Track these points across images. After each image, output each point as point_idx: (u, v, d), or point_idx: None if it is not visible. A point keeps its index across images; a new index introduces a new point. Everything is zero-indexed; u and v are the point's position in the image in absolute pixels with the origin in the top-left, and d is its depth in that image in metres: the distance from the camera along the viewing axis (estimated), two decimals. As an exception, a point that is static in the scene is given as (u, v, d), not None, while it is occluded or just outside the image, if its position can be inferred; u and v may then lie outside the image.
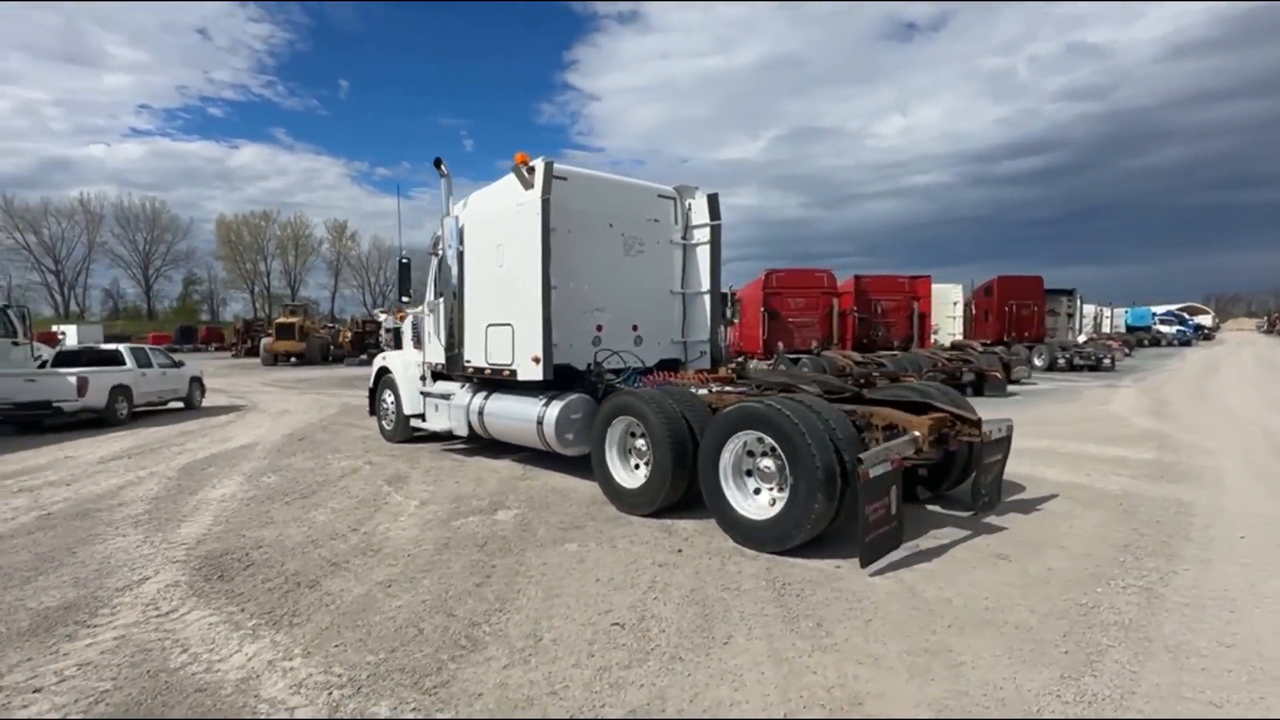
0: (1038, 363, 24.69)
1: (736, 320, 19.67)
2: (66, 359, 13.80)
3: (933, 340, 21.15)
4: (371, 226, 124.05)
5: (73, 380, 12.16)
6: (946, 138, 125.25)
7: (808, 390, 5.84)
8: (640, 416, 5.81)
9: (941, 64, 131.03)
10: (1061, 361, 24.00)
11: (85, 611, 3.88)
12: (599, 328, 7.88)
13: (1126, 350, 33.53)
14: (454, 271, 8.33)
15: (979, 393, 16.24)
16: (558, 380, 7.43)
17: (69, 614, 3.86)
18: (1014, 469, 7.36)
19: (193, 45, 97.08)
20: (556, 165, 7.44)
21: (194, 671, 3.15)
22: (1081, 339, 27.88)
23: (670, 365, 8.52)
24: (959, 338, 22.58)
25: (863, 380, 14.15)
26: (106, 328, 62.92)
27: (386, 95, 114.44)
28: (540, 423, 7.12)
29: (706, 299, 8.61)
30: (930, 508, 5.95)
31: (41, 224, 71.90)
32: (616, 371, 7.60)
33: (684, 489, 5.62)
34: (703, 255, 8.60)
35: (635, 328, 8.25)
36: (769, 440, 4.84)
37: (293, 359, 38.38)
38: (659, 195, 8.47)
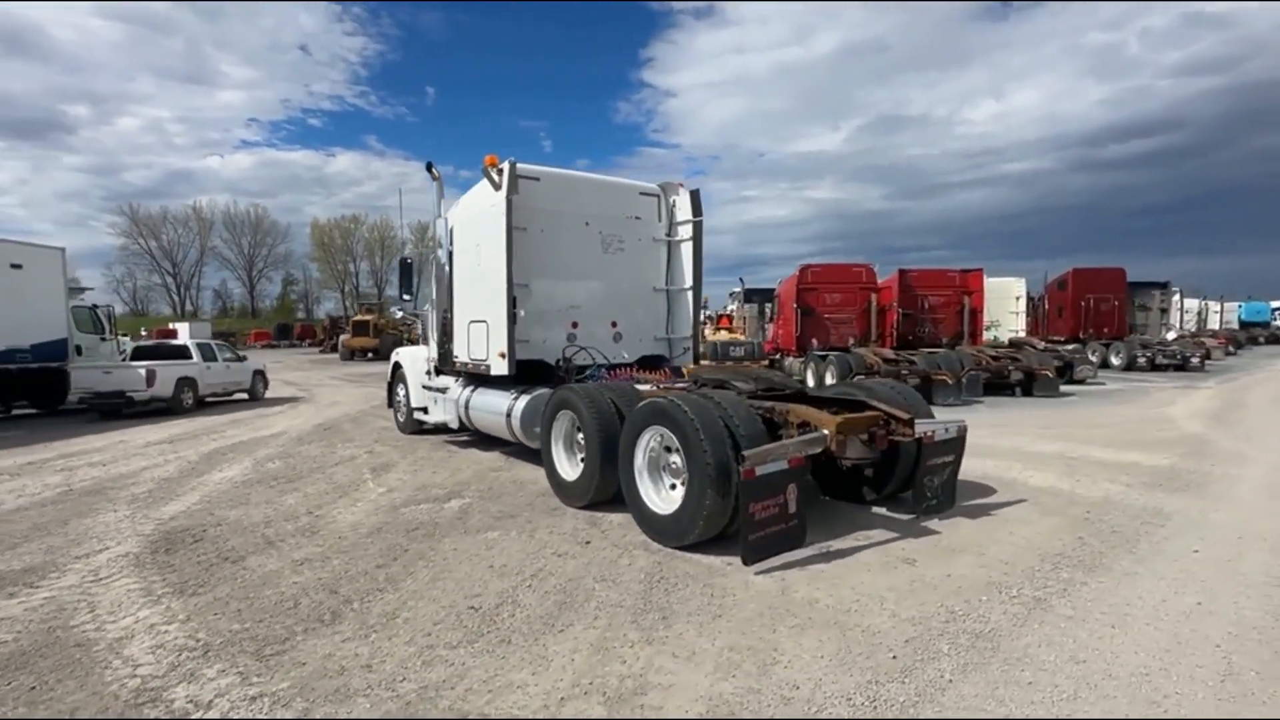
0: (1115, 361, 23.00)
1: (775, 317, 19.41)
2: (143, 353, 15.27)
3: (989, 337, 20.09)
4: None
5: (142, 372, 13.48)
6: (1045, 121, 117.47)
7: (739, 387, 5.80)
8: (576, 411, 5.95)
9: (1040, 43, 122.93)
10: (1142, 360, 22.19)
11: (38, 575, 4.43)
12: (574, 324, 8.06)
13: (1230, 349, 30.58)
14: (445, 271, 8.72)
15: (1028, 393, 15.36)
16: (532, 376, 7.68)
17: (25, 575, 4.41)
18: (999, 473, 7.04)
19: (295, 61, 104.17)
20: (530, 166, 7.69)
21: (84, 630, 3.56)
22: (1170, 336, 25.64)
23: (654, 362, 8.59)
24: (1021, 334, 21.30)
25: (890, 378, 13.73)
26: (215, 325, 68.70)
27: (469, 100, 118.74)
28: (509, 416, 7.38)
29: (690, 295, 8.63)
30: (876, 510, 5.78)
31: (161, 230, 79.29)
32: (584, 367, 7.75)
33: (615, 483, 5.70)
34: (687, 252, 8.62)
35: (614, 324, 8.38)
36: (670, 435, 4.87)
37: (369, 354, 40.78)
38: (641, 193, 8.54)
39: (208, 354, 15.65)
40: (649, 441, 5.13)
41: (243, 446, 9.56)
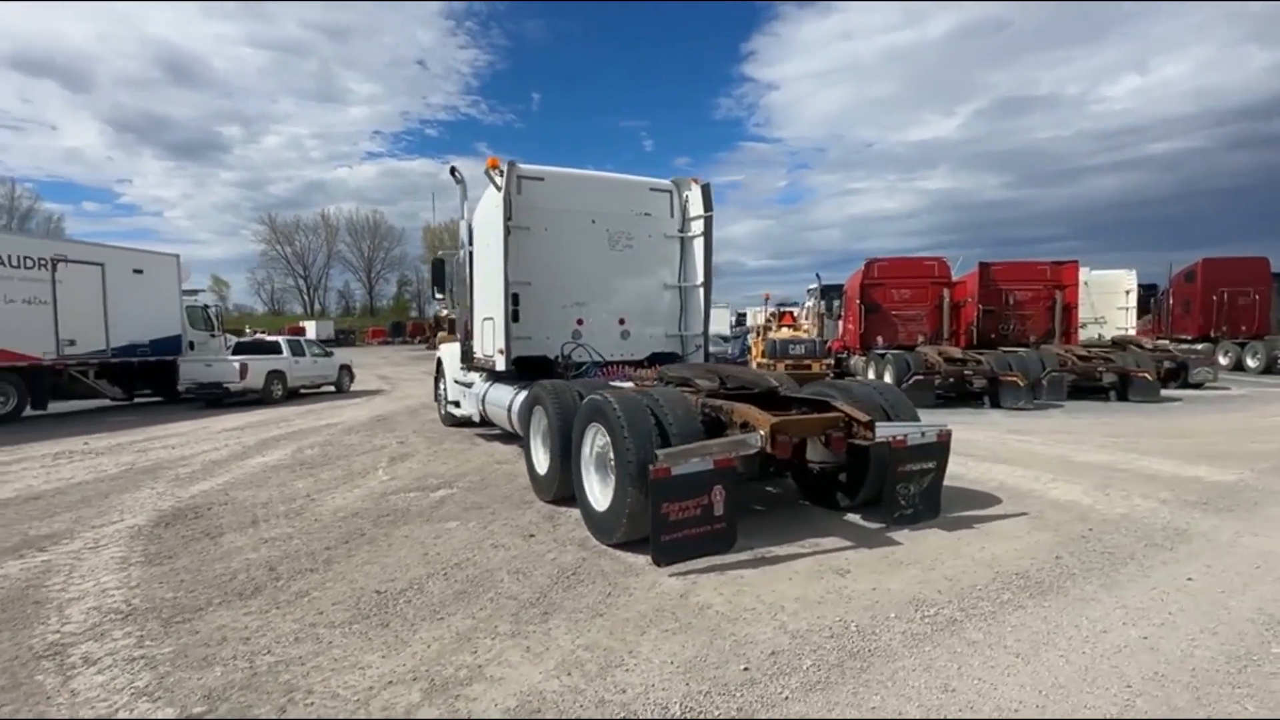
0: (1251, 363, 20.34)
1: (842, 314, 18.64)
2: (242, 349, 16.93)
3: (1091, 335, 18.31)
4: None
5: (236, 366, 14.96)
6: (1198, 94, 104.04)
7: (700, 384, 5.65)
8: (543, 406, 6.04)
9: (1189, 10, 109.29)
10: (1286, 362, 19.44)
11: (53, 540, 5.07)
12: (580, 321, 8.15)
13: None
14: (465, 271, 9.08)
15: (1124, 397, 13.89)
16: (539, 372, 7.86)
17: (43, 540, 5.06)
18: (1020, 483, 6.52)
19: (413, 75, 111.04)
20: (534, 166, 7.86)
21: (51, 590, 4.05)
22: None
23: (666, 359, 8.55)
24: (1130, 332, 19.24)
25: (951, 378, 12.86)
26: (337, 324, 74.75)
27: (572, 104, 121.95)
28: (510, 410, 7.59)
29: (702, 292, 8.51)
30: (850, 517, 5.48)
31: (294, 237, 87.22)
32: (582, 364, 7.83)
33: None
34: (700, 248, 8.50)
35: (622, 321, 8.40)
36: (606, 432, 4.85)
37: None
38: (651, 189, 8.50)
39: (296, 350, 17.10)
40: (594, 438, 5.13)
41: (297, 435, 10.41)
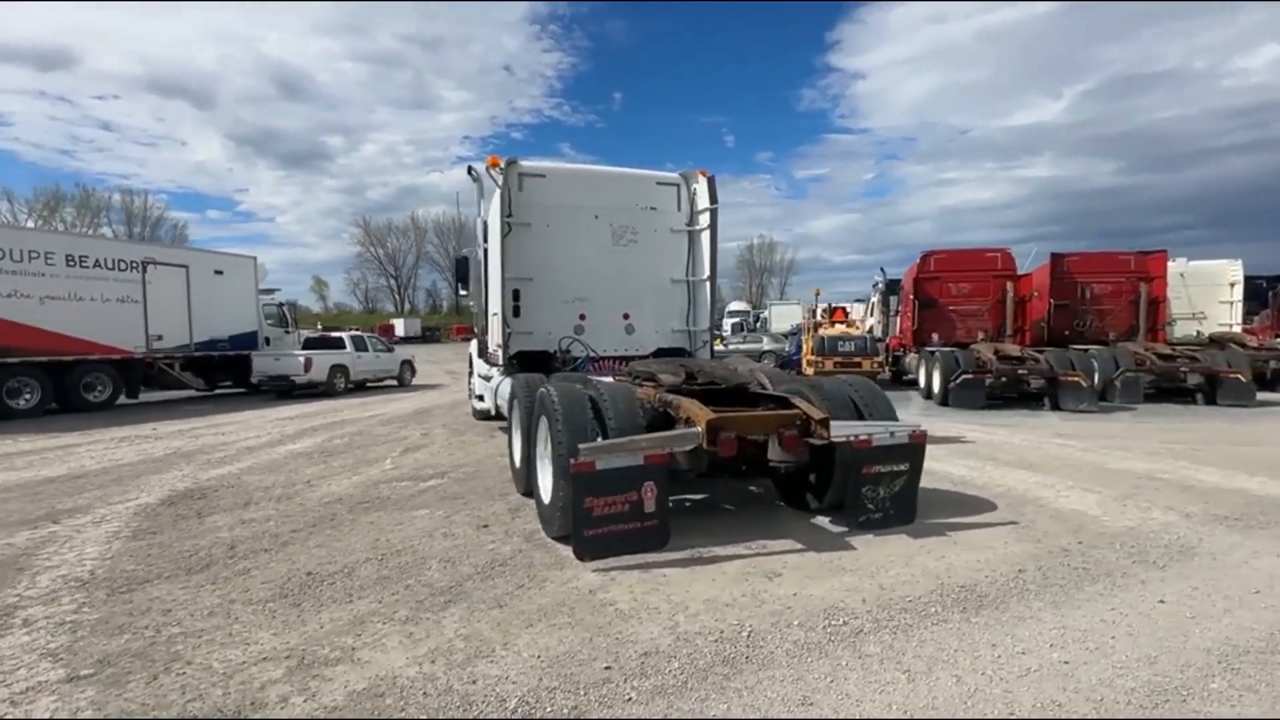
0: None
1: (900, 310, 17.80)
2: (310, 344, 18.07)
3: (1187, 332, 16.65)
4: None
5: (301, 360, 15.99)
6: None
7: (662, 379, 5.54)
8: (516, 399, 6.11)
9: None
10: None
11: (72, 514, 5.60)
12: (582, 316, 8.19)
13: None
14: (480, 268, 9.31)
15: (1213, 400, 12.57)
16: (542, 367, 7.96)
17: (63, 513, 5.60)
18: (1028, 490, 6.10)
19: (500, 81, 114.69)
20: (535, 163, 7.98)
21: (38, 559, 4.48)
22: None
23: (672, 354, 8.46)
24: (1235, 328, 17.33)
25: (1004, 378, 12.05)
26: (424, 321, 78.33)
27: (652, 102, 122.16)
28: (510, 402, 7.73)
29: (708, 286, 8.36)
30: (818, 519, 5.24)
31: (386, 239, 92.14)
32: (576, 358, 7.86)
33: (540, 471, 5.77)
34: (707, 241, 8.35)
35: (626, 316, 8.38)
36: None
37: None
38: (658, 183, 8.43)
39: (359, 345, 18.09)
40: (544, 431, 5.14)
41: (337, 425, 11.02)
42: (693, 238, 8.53)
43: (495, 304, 8.18)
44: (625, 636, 3.25)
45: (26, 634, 3.32)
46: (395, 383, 19.42)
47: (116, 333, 14.46)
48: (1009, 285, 15.04)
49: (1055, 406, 12.09)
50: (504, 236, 7.62)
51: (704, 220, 8.34)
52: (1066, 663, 2.99)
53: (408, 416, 12.05)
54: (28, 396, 13.08)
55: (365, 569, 4.22)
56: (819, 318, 18.36)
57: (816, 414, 4.69)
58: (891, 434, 4.89)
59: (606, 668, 2.96)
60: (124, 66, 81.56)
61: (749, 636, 3.24)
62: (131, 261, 14.90)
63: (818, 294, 19.82)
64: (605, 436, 4.49)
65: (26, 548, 4.70)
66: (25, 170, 77.72)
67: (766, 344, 27.39)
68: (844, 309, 18.79)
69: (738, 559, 4.35)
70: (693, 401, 4.78)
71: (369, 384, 18.60)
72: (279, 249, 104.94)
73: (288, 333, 19.39)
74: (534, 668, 2.96)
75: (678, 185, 8.47)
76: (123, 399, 14.76)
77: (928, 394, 13.88)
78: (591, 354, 7.92)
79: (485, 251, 9.24)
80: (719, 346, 28.64)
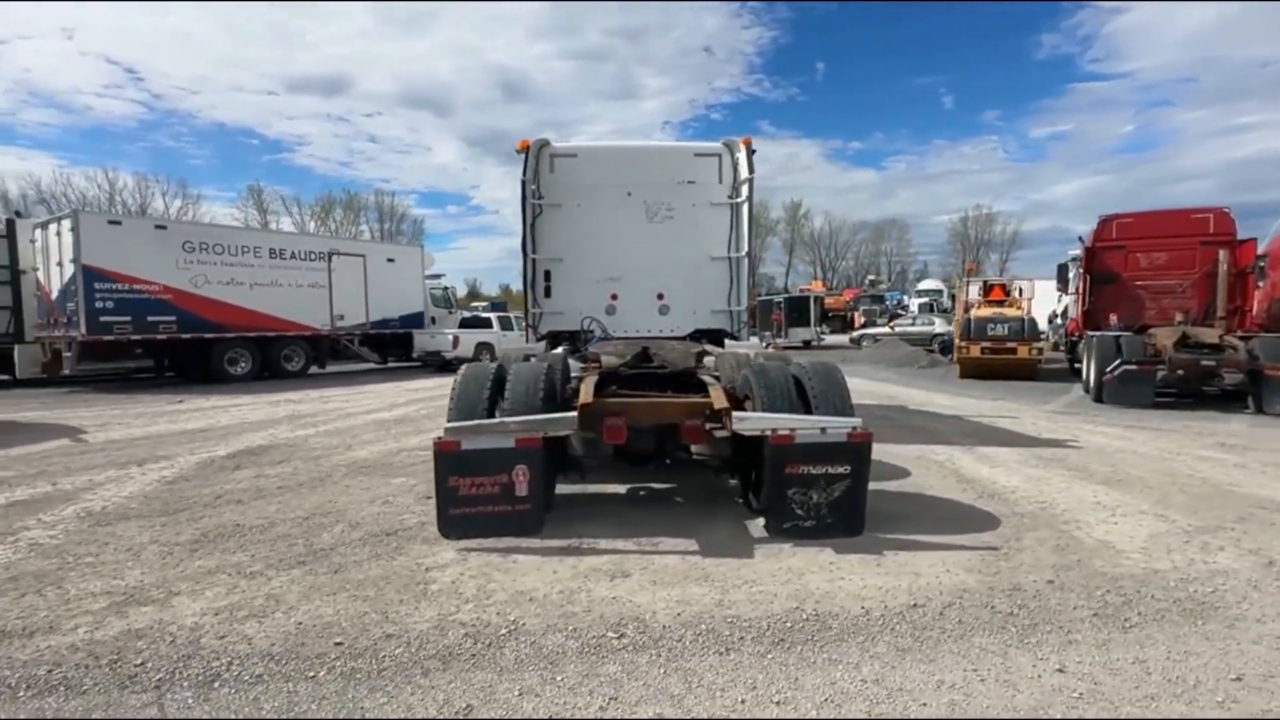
0: None
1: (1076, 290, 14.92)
2: (465, 324, 19.94)
3: None
4: (839, 202, 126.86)
5: (450, 337, 17.76)
6: None
7: (609, 360, 5.27)
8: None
9: None
10: None
11: (155, 461, 6.86)
12: (613, 297, 8.07)
13: None
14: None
15: None
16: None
17: (150, 460, 6.88)
18: (1069, 510, 4.90)
19: (699, 63, 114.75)
20: (565, 143, 7.99)
21: (91, 493, 5.56)
22: None
23: (710, 336, 8.05)
24: None
25: (1181, 370, 9.73)
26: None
27: (857, 69, 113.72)
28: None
29: (746, 263, 7.77)
30: (755, 521, 4.69)
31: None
32: (591, 336, 7.75)
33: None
34: (747, 214, 7.76)
35: (660, 296, 8.09)
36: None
37: (709, 329, 44.17)
38: (696, 155, 7.98)
39: (505, 325, 19.57)
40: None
41: (428, 399, 12.08)
42: (735, 211, 7.95)
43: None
44: (396, 617, 3.22)
45: (7, 549, 4.18)
46: (540, 360, 20.74)
47: (308, 313, 17.24)
48: (1222, 255, 11.86)
49: (1260, 409, 9.39)
50: (535, 218, 7.75)
51: (745, 192, 7.73)
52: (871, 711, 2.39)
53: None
54: (243, 365, 16.15)
55: (284, 526, 4.64)
56: (971, 295, 15.99)
57: (721, 402, 4.20)
58: (822, 430, 4.19)
59: (338, 643, 2.96)
60: (385, 86, 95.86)
61: (502, 635, 3.03)
62: (320, 253, 17.62)
63: (970, 270, 17.32)
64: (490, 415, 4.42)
65: (89, 485, 5.87)
66: (317, 181, 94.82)
67: (939, 326, 24.63)
68: (1002, 286, 16.13)
69: (611, 554, 4.06)
70: (589, 384, 4.54)
71: (516, 361, 20.08)
72: (503, 238, 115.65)
73: (450, 313, 21.60)
74: (286, 634, 3.05)
75: (719, 156, 7.92)
76: (314, 369, 17.61)
77: (1087, 387, 11.55)
78: (605, 335, 7.78)
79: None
80: (885, 330, 26.42)
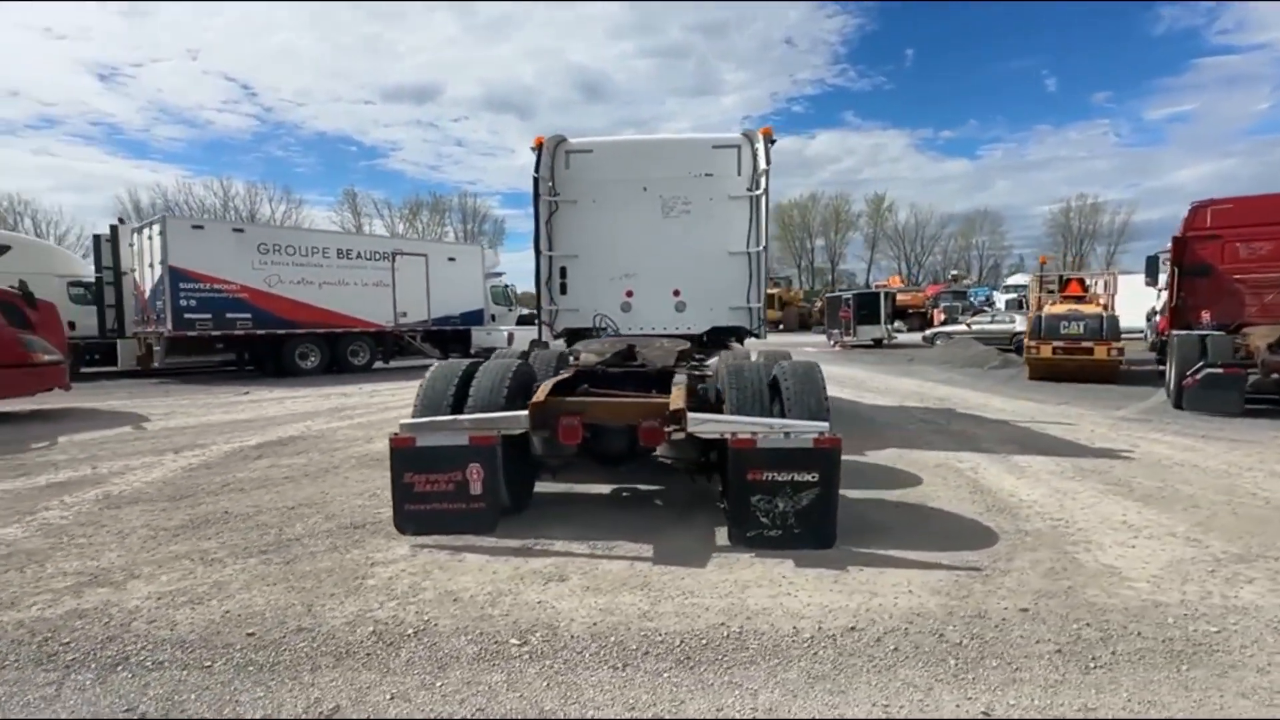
0: None
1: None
2: (523, 320, 20.32)
3: None
4: (929, 194, 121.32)
5: (505, 334, 18.13)
6: None
7: (587, 358, 5.15)
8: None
9: None
10: None
11: (192, 448, 7.31)
12: (629, 293, 7.95)
13: None
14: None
15: None
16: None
17: (188, 448, 7.34)
18: (1087, 530, 4.46)
19: (780, 55, 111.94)
20: (581, 139, 7.94)
21: (117, 478, 5.98)
22: None
23: (729, 334, 7.82)
24: None
25: (1275, 373, 8.70)
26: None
27: (950, 54, 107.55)
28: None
29: (763, 258, 7.48)
30: (721, 530, 4.47)
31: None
32: (602, 333, 7.64)
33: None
34: (763, 207, 7.46)
35: (676, 293, 7.91)
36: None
37: (780, 326, 43.36)
38: (714, 146, 7.75)
39: (560, 322, 19.80)
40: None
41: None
42: (755, 204, 7.65)
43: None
44: (318, 611, 3.24)
45: (8, 527, 4.54)
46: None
47: (373, 310, 18.04)
48: (1341, 243, 10.42)
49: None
50: (551, 215, 7.75)
51: (764, 183, 7.43)
52: (682, 754, 2.20)
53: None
54: (312, 360, 17.09)
55: (268, 515, 4.81)
56: (1042, 290, 14.76)
57: (676, 404, 4.02)
58: (786, 435, 3.94)
59: (250, 634, 3.01)
60: (471, 91, 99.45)
61: (408, 635, 2.99)
62: (384, 253, 18.39)
63: (1043, 263, 15.98)
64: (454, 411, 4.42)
65: (123, 470, 6.31)
66: (407, 184, 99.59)
67: (1020, 324, 22.99)
68: (1080, 280, 14.78)
69: (560, 556, 3.96)
70: (548, 383, 4.45)
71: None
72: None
73: (510, 310, 22.07)
74: (209, 622, 3.13)
75: (737, 147, 7.65)
76: (378, 364, 18.41)
77: (1169, 391, 10.44)
78: (616, 333, 7.66)
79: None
80: (960, 327, 24.95)
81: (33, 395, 9.49)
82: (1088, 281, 14.88)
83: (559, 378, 4.76)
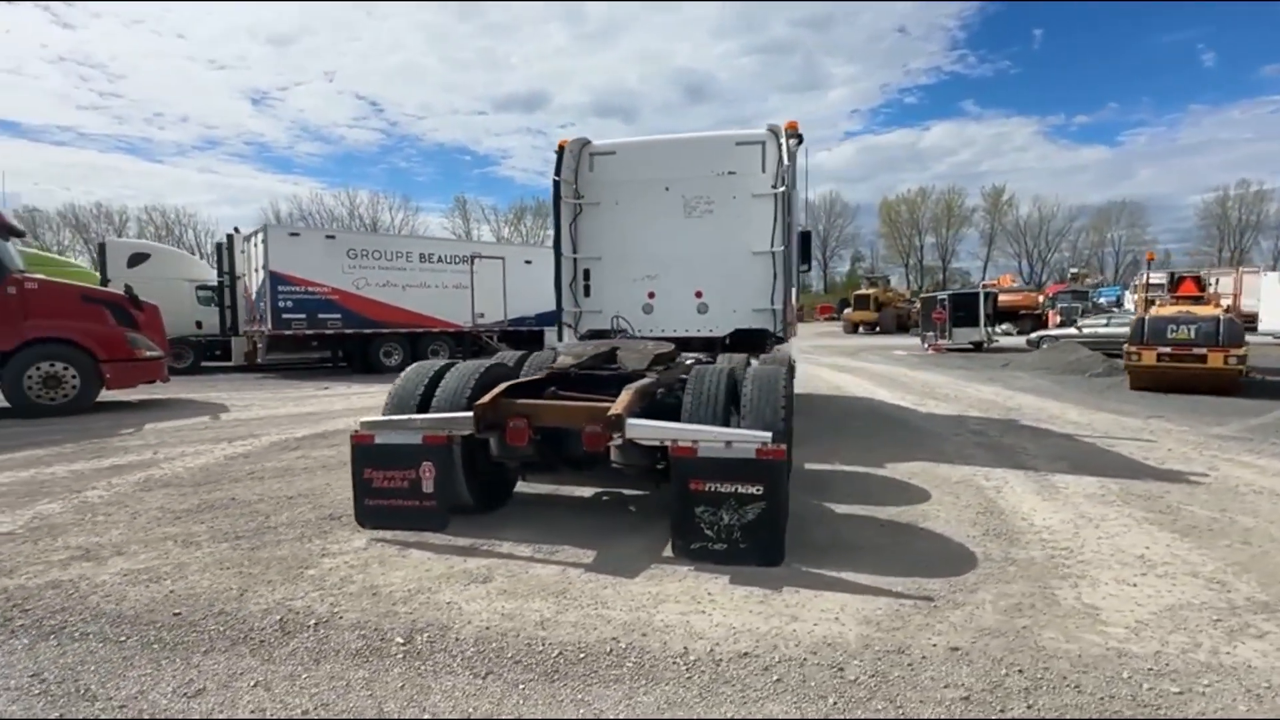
0: None
1: None
2: (594, 322, 20.58)
3: None
4: (1060, 185, 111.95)
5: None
6: None
7: (564, 361, 5.11)
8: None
9: None
10: None
11: (244, 439, 7.96)
12: (650, 295, 7.86)
13: None
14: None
15: None
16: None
17: (240, 438, 8.00)
18: (1108, 571, 3.99)
19: (891, 45, 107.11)
20: (603, 141, 7.95)
21: (161, 464, 6.61)
22: None
23: (753, 336, 7.57)
24: None
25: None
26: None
27: (1085, 33, 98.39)
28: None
29: (786, 258, 7.18)
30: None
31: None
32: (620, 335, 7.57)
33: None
34: (790, 203, 7.16)
35: (699, 294, 7.74)
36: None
37: (876, 328, 41.52)
38: (738, 143, 7.53)
39: (631, 323, 19.91)
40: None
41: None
42: (779, 202, 7.35)
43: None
44: (249, 597, 3.42)
45: (54, 503, 5.12)
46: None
47: (452, 311, 18.93)
48: None
49: None
50: (575, 217, 7.81)
51: (788, 180, 7.13)
52: (484, 771, 2.14)
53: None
54: (395, 358, 18.16)
55: (266, 504, 5.15)
56: (1150, 291, 13.13)
57: (618, 408, 3.94)
58: (728, 444, 3.75)
59: (176, 614, 3.23)
60: (578, 98, 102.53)
61: (309, 626, 3.10)
62: (464, 256, 19.25)
63: (1150, 260, 14.19)
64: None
65: (177, 456, 6.95)
66: (517, 190, 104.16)
67: (1139, 328, 20.69)
68: (1196, 278, 12.98)
69: (499, 558, 3.97)
70: (504, 384, 4.47)
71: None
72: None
73: (585, 312, 22.40)
74: (151, 600, 3.39)
75: (762, 144, 7.38)
76: (457, 362, 19.29)
77: (1290, 407, 9.03)
78: (633, 335, 7.57)
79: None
80: (1070, 330, 22.78)
81: (135, 387, 10.69)
82: (1208, 279, 13.12)
83: (521, 380, 4.78)
